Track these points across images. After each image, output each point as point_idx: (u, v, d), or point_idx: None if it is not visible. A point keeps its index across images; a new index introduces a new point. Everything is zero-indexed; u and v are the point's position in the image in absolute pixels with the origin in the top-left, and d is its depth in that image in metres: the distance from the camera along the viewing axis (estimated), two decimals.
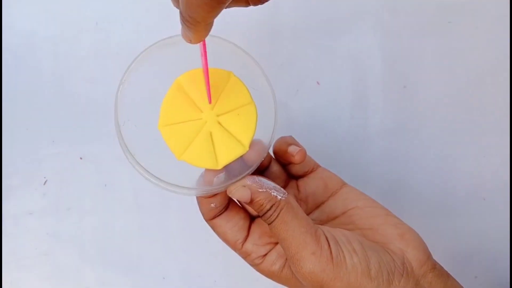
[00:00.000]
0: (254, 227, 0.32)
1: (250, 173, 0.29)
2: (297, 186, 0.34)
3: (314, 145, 0.43)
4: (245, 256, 0.31)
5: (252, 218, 0.33)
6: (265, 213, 0.28)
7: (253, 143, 0.30)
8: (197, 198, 0.31)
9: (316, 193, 0.33)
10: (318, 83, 0.44)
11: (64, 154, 0.43)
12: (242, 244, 0.31)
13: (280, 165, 0.34)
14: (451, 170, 0.44)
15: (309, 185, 0.34)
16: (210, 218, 0.31)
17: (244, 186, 0.28)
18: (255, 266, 0.31)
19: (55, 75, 0.44)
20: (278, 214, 0.28)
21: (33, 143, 0.43)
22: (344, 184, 0.34)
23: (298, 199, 0.34)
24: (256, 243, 0.31)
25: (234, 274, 0.42)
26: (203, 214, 0.31)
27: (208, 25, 0.25)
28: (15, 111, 0.43)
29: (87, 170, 0.43)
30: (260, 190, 0.28)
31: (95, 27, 0.44)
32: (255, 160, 0.30)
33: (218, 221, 0.31)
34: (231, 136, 0.29)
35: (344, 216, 0.32)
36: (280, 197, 0.28)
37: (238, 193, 0.28)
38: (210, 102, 0.30)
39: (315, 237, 0.28)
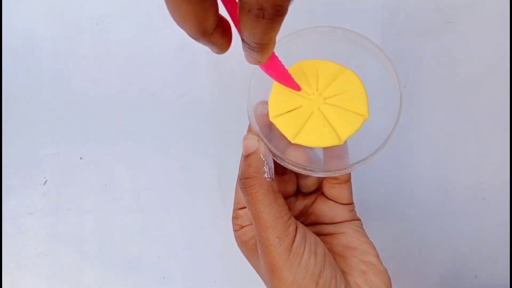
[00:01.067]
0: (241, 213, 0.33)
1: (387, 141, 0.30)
2: (314, 200, 0.35)
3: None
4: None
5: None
6: (245, 179, 0.29)
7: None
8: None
9: (321, 218, 0.34)
10: None
11: (64, 154, 0.43)
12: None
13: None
14: (451, 170, 0.44)
15: (322, 209, 0.34)
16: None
17: (257, 142, 0.29)
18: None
19: (55, 75, 0.44)
20: (257, 191, 0.28)
21: (33, 143, 0.43)
22: (352, 219, 0.34)
23: (304, 210, 0.35)
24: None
25: (234, 274, 0.42)
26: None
27: (274, 41, 0.25)
28: (15, 111, 0.43)
29: (87, 170, 0.43)
30: (261, 157, 0.29)
31: (95, 27, 0.44)
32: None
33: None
34: (345, 111, 0.30)
35: (328, 237, 0.33)
36: (266, 176, 0.29)
37: (249, 140, 0.29)
38: (299, 89, 0.31)
39: (285, 225, 0.28)
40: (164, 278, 0.43)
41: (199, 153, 0.42)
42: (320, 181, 0.35)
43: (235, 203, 0.33)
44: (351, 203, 0.35)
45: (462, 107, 0.44)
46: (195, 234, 0.43)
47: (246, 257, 0.32)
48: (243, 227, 0.32)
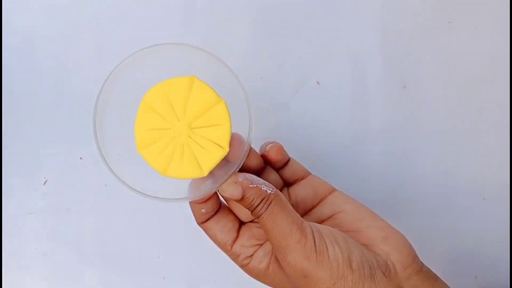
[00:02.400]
0: (243, 230, 0.33)
1: (237, 169, 0.30)
2: (288, 193, 0.35)
3: (314, 145, 0.43)
4: (234, 257, 0.33)
5: (241, 223, 0.34)
6: (255, 207, 0.29)
7: (232, 140, 0.30)
8: (190, 204, 0.33)
9: (306, 199, 0.34)
10: (318, 83, 0.44)
11: (64, 154, 0.43)
12: (231, 246, 0.32)
13: (276, 172, 0.35)
14: (451, 170, 0.44)
15: (299, 192, 0.35)
16: (202, 222, 0.33)
17: (236, 183, 0.29)
18: (244, 267, 0.32)
19: (55, 75, 0.44)
20: (268, 207, 0.29)
21: (33, 143, 0.43)
22: (333, 190, 0.35)
23: None
24: (244, 245, 0.32)
25: (234, 274, 0.42)
26: (195, 219, 0.33)
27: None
28: (15, 111, 0.43)
29: (87, 170, 0.43)
30: (251, 186, 0.29)
31: (95, 27, 0.44)
32: (239, 156, 0.30)
33: (209, 224, 0.33)
34: (208, 141, 0.30)
35: (331, 220, 0.33)
36: (270, 191, 0.29)
37: (230, 190, 0.29)
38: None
39: (301, 227, 0.29)
40: (164, 278, 0.43)
41: None
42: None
43: (222, 244, 0.33)
44: (310, 174, 0.36)
45: (462, 107, 0.44)
46: (195, 234, 0.43)
47: (271, 284, 0.32)
48: (251, 256, 0.32)
